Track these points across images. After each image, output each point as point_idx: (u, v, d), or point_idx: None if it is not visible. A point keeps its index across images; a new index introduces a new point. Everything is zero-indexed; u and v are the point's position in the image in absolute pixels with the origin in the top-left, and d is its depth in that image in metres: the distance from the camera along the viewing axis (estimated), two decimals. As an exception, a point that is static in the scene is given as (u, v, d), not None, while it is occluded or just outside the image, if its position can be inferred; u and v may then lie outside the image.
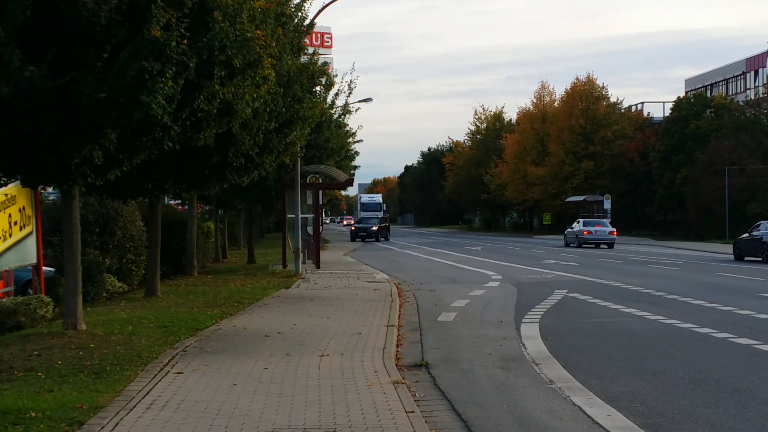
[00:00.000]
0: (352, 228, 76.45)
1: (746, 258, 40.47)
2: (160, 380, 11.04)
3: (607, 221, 59.72)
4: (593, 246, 55.18)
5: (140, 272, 24.66)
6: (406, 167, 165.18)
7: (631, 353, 13.83)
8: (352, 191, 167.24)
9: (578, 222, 58.71)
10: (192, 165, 18.87)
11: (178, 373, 11.53)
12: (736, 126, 66.06)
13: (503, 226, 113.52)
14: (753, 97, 74.49)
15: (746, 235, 41.37)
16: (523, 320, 17.85)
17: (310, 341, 14.41)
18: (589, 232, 55.79)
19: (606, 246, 54.77)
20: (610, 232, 55.66)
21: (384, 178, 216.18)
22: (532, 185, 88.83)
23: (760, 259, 39.14)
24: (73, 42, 12.22)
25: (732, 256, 41.89)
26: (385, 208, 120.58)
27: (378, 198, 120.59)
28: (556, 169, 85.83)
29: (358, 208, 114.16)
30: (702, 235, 64.19)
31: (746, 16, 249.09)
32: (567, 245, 57.76)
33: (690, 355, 13.63)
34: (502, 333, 16.19)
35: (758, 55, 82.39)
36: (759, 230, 39.98)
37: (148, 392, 10.34)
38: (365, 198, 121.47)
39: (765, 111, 65.61)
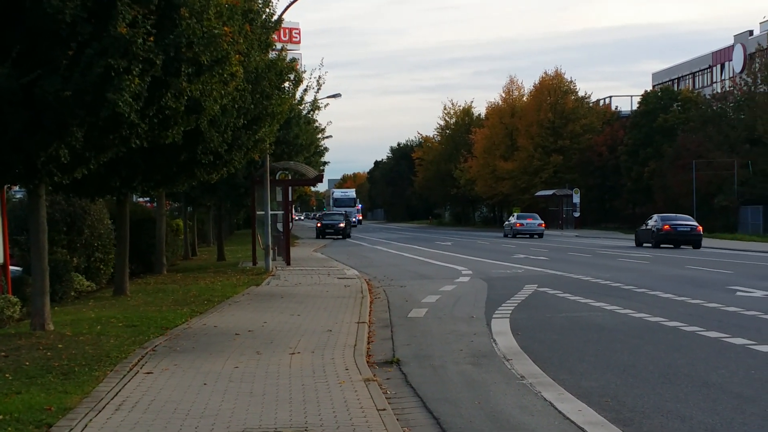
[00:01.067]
0: (318, 225, 72.12)
1: (644, 245, 48.78)
2: (129, 380, 10.95)
3: (537, 215, 68.44)
4: (527, 236, 63.72)
5: (108, 271, 24.47)
6: (376, 162, 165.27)
7: (601, 348, 13.88)
8: (321, 187, 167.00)
9: (513, 216, 69.83)
10: (160, 162, 18.75)
11: (148, 373, 11.44)
12: (702, 119, 66.57)
13: (473, 220, 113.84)
14: (719, 91, 75.05)
15: (643, 226, 50.06)
16: (494, 315, 17.88)
17: (280, 339, 14.35)
18: (521, 225, 65.33)
19: (537, 236, 63.46)
20: (539, 224, 64.69)
21: (353, 174, 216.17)
22: (501, 180, 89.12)
23: (650, 245, 47.71)
24: (37, 40, 12.09)
25: (633, 243, 50.73)
26: (359, 204, 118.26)
27: (351, 193, 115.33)
28: (525, 164, 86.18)
29: (331, 204, 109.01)
30: (670, 228, 64.60)
31: (712, 9, 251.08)
32: (505, 236, 66.42)
33: (659, 348, 13.70)
34: (472, 329, 16.21)
35: (724, 48, 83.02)
36: (651, 222, 48.81)
37: (117, 393, 10.25)
38: (338, 193, 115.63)
39: (731, 104, 66.14)
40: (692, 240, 46.42)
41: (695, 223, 47.48)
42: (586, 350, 13.68)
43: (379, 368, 12.37)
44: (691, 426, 9.03)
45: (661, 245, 47.30)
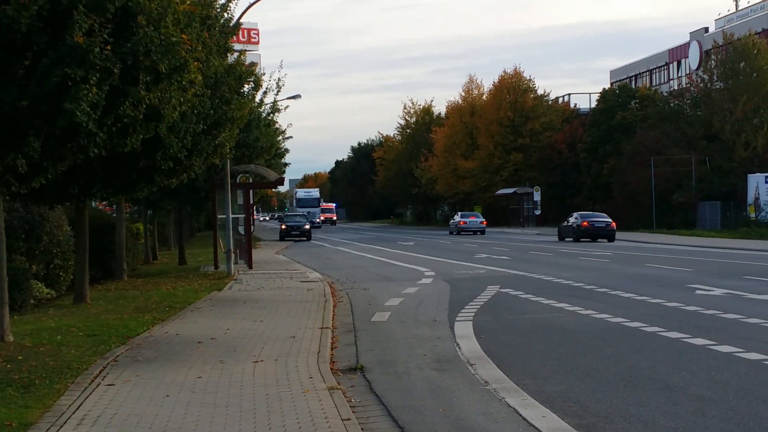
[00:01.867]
0: (282, 227, 70.69)
1: (566, 239, 53.89)
2: (91, 393, 10.84)
3: (479, 214, 75.29)
4: (471, 233, 68.66)
5: (68, 278, 24.24)
6: (337, 162, 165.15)
7: (563, 350, 13.95)
8: (283, 187, 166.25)
9: (458, 214, 74.54)
10: (119, 169, 18.58)
11: (110, 384, 11.34)
12: (660, 116, 67.18)
13: (435, 219, 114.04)
14: (676, 88, 75.78)
15: (565, 222, 55.44)
16: (457, 318, 17.91)
17: (243, 347, 14.28)
18: (465, 222, 70.60)
19: (480, 233, 68.45)
20: (481, 222, 70.44)
21: (315, 174, 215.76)
22: (462, 178, 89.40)
23: (572, 239, 53.17)
24: (-8, 50, 11.93)
25: (557, 238, 55.65)
26: (333, 204, 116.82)
27: (315, 193, 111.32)
28: (486, 162, 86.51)
29: (294, 204, 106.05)
30: (630, 224, 65.11)
31: (668, 6, 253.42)
32: (450, 233, 71.42)
33: (621, 351, 13.79)
34: (436, 332, 16.23)
35: (680, 45, 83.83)
36: (571, 219, 54.48)
37: (78, 406, 10.14)
38: (301, 193, 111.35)
39: (688, 101, 66.78)
40: (607, 234, 52.52)
41: (609, 220, 53.68)
42: (549, 353, 13.74)
43: (343, 375, 12.35)
44: (654, 431, 9.10)
45: (581, 239, 52.75)
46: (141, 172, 19.34)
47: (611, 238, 52.21)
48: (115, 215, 31.78)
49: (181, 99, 15.30)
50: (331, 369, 12.52)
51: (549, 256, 38.56)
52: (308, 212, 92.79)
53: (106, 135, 13.58)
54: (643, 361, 12.85)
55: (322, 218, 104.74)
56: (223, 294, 23.66)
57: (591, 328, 16.25)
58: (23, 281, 20.62)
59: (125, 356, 13.48)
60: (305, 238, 67.49)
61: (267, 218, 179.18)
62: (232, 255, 31.36)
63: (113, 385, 11.32)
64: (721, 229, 56.14)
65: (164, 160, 18.91)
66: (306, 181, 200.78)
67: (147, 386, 11.26)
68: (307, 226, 69.34)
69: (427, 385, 11.62)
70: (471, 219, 71.81)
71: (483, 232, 69.63)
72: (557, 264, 32.96)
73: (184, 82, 14.60)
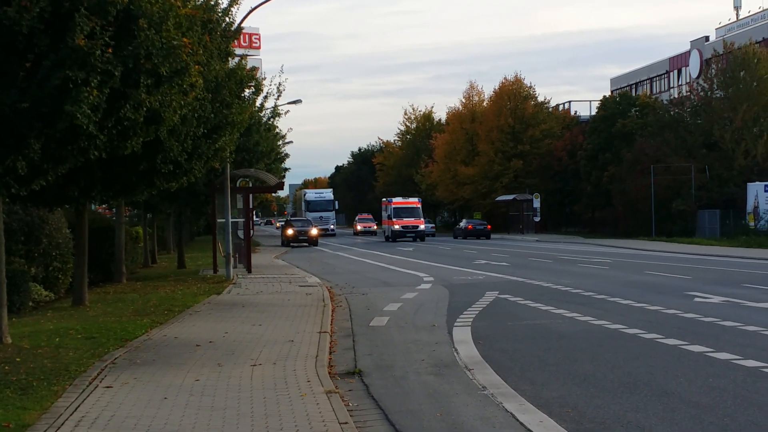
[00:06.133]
0: (289, 233, 65.13)
1: (457, 237, 74.42)
2: (88, 395, 10.85)
3: (484, 221, 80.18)
4: (475, 237, 74.02)
5: (67, 280, 24.24)
6: (337, 167, 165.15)
7: (561, 356, 13.96)
8: (282, 193, 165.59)
9: (464, 220, 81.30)
10: (119, 172, 18.58)
11: (108, 386, 11.35)
12: (660, 125, 67.11)
13: (435, 225, 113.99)
14: (676, 96, 75.78)
15: (458, 226, 77.85)
16: (456, 324, 17.93)
17: (242, 350, 14.29)
18: (472, 227, 76.01)
19: (484, 237, 74.19)
20: (487, 227, 76.00)
21: (315, 179, 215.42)
22: (462, 184, 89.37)
23: (461, 237, 73.35)
24: (-7, 51, 11.94)
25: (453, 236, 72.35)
26: (337, 207, 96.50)
27: (328, 194, 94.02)
28: (486, 169, 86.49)
29: (303, 208, 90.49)
30: (629, 232, 65.11)
31: (669, 15, 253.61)
32: (455, 237, 77.87)
33: (619, 357, 13.80)
34: (434, 337, 16.24)
35: (681, 54, 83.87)
36: (462, 223, 76.82)
37: (76, 408, 10.15)
38: (311, 194, 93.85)
39: (688, 110, 66.74)
40: (484, 233, 73.77)
41: (485, 222, 76.56)
42: (547, 359, 13.75)
43: (341, 379, 12.36)
44: (651, 436, 9.12)
45: (467, 237, 73.50)
46: (141, 176, 19.34)
47: (488, 236, 73.21)
48: (114, 218, 31.81)
49: (182, 102, 15.30)
50: (329, 373, 12.53)
51: (548, 262, 38.55)
52: (320, 217, 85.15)
53: (106, 138, 13.59)
54: (641, 367, 12.86)
55: (332, 227, 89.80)
56: (221, 298, 23.67)
57: (589, 334, 16.26)
58: (22, 283, 20.63)
59: (123, 359, 13.49)
60: (310, 245, 64.00)
61: (261, 223, 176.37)
62: (232, 259, 31.36)
63: (111, 387, 11.33)
64: (720, 238, 56.09)
65: (164, 164, 18.91)
66: (306, 186, 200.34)
67: (145, 389, 11.26)
68: (314, 232, 65.38)
69: (425, 390, 11.63)
70: (477, 224, 77.53)
71: (488, 236, 73.97)
72: (556, 270, 32.96)
73: (185, 86, 14.61)
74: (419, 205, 74.83)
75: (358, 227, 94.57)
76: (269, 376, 12.07)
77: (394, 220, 72.22)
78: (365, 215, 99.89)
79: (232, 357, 13.62)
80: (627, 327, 16.86)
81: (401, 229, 71.56)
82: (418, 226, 71.60)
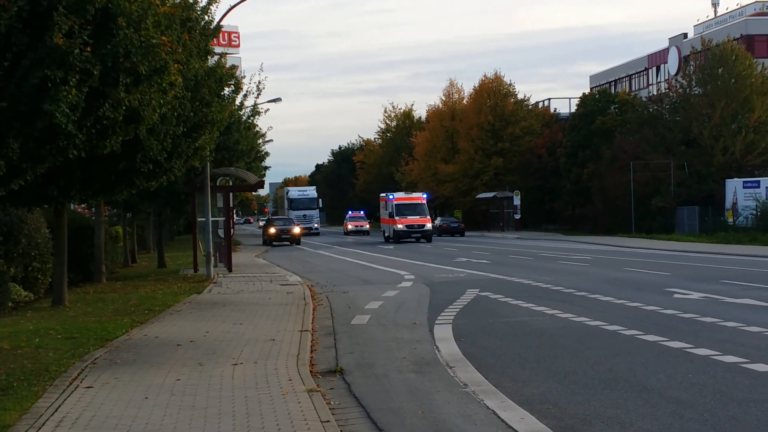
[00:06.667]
0: (271, 232, 63.99)
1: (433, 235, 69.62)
2: (69, 395, 10.82)
3: (459, 219, 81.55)
4: (449, 235, 73.77)
5: (47, 280, 24.12)
6: (317, 166, 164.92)
7: (542, 353, 14.01)
8: (263, 192, 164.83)
9: (438, 218, 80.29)
10: (98, 171, 18.53)
11: (88, 387, 11.31)
12: (639, 121, 67.36)
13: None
14: (655, 93, 76.10)
15: (432, 224, 72.24)
16: (437, 321, 17.96)
17: (223, 349, 14.28)
18: (446, 225, 76.26)
19: (459, 234, 74.10)
20: (461, 225, 76.67)
21: (295, 177, 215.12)
22: (442, 182, 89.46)
23: (437, 234, 70.67)
24: (-29, 50, 11.88)
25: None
26: (321, 205, 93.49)
27: (312, 192, 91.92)
28: (466, 166, 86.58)
29: (286, 206, 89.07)
30: (609, 229, 65.31)
31: (648, 12, 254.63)
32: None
33: (600, 353, 13.86)
34: (415, 335, 16.27)
35: (659, 51, 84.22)
36: (437, 221, 75.43)
37: (57, 408, 10.11)
38: (295, 192, 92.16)
39: (667, 106, 67.02)
40: (458, 231, 74.06)
41: (460, 221, 77.99)
42: (528, 356, 13.80)
43: (323, 378, 12.37)
44: (631, 432, 9.16)
45: (442, 235, 71.80)
46: (120, 175, 19.29)
47: (462, 234, 73.45)
48: (93, 218, 31.67)
49: (161, 101, 15.28)
50: (311, 371, 12.55)
51: (529, 260, 38.65)
52: (304, 215, 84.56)
53: (85, 137, 13.55)
54: (621, 363, 12.92)
55: (316, 225, 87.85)
56: (202, 297, 23.62)
57: (570, 331, 16.32)
58: (1, 284, 20.54)
59: (104, 359, 13.45)
60: (293, 243, 63.31)
61: (241, 222, 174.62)
62: (212, 258, 31.30)
63: (92, 387, 11.29)
64: (700, 234, 56.37)
65: (144, 163, 18.86)
66: (286, 185, 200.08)
67: (126, 389, 11.24)
68: (297, 231, 64.46)
69: (407, 388, 11.65)
70: (450, 222, 77.86)
71: (462, 234, 73.88)
72: (537, 268, 33.05)
73: (164, 84, 14.58)
74: (425, 202, 66.08)
75: (349, 226, 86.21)
76: (250, 375, 12.06)
77: (396, 218, 63.66)
78: (357, 213, 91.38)
79: (213, 356, 13.61)
80: (607, 323, 16.93)
81: (405, 229, 63.36)
82: (424, 226, 63.27)
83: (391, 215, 65.01)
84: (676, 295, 21.92)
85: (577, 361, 13.20)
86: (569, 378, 11.98)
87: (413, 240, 63.19)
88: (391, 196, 66.87)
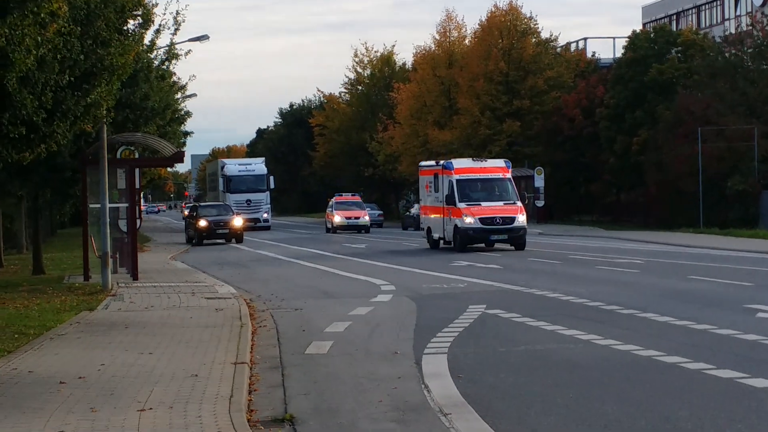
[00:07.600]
0: (201, 225, 62.60)
1: (408, 229, 77.58)
2: None
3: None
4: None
5: None
6: (260, 131, 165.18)
7: (574, 395, 14.08)
8: (182, 167, 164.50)
9: (414, 206, 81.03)
10: (-51, 137, 18.48)
11: (-66, 442, 11.29)
12: (711, 71, 67.67)
13: (396, 212, 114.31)
14: (733, 31, 76.40)
15: (407, 212, 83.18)
16: (426, 350, 18.02)
17: (125, 389, 14.29)
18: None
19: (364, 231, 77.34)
20: (377, 213, 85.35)
21: (228, 147, 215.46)
22: (435, 155, 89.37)
23: (413, 228, 72.23)
24: None
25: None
26: (273, 185, 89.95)
27: (259, 166, 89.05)
28: (469, 133, 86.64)
29: (221, 188, 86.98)
30: (667, 221, 65.61)
31: None
32: (404, 228, 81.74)
33: (653, 395, 13.94)
34: (396, 370, 16.32)
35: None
36: (413, 209, 78.43)
37: None
38: (234, 167, 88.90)
39: (749, 50, 67.31)
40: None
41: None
42: (554, 399, 13.86)
43: (266, 429, 12.40)
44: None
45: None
46: (-20, 142, 19.24)
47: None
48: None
49: (39, 39, 15.23)
50: (249, 420, 12.59)
51: (555, 264, 38.78)
52: (248, 201, 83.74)
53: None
54: (683, 409, 13.00)
55: (266, 215, 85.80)
56: (96, 315, 23.61)
57: (611, 364, 16.41)
58: None
59: (-44, 402, 13.43)
60: (232, 241, 62.46)
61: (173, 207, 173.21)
62: (110, 261, 31.22)
63: (-61, 442, 11.28)
64: (794, 229, 56.77)
65: (14, 125, 18.80)
66: (215, 157, 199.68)
67: (-13, 444, 11.22)
68: (238, 223, 63.40)
69: (384, 444, 11.69)
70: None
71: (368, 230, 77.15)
72: (566, 275, 33.18)
73: (42, 14, 14.53)
74: (509, 175, 51.49)
75: (337, 218, 77.92)
76: (164, 425, 12.07)
77: (461, 206, 48.23)
78: (348, 196, 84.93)
79: (112, 399, 13.61)
80: (664, 354, 17.01)
81: (479, 227, 47.97)
82: (514, 219, 47.76)
83: (449, 200, 49.30)
84: (760, 314, 22.06)
85: (622, 406, 13.27)
86: (611, 429, 12.05)
87: (491, 245, 48.89)
88: (448, 165, 50.99)
